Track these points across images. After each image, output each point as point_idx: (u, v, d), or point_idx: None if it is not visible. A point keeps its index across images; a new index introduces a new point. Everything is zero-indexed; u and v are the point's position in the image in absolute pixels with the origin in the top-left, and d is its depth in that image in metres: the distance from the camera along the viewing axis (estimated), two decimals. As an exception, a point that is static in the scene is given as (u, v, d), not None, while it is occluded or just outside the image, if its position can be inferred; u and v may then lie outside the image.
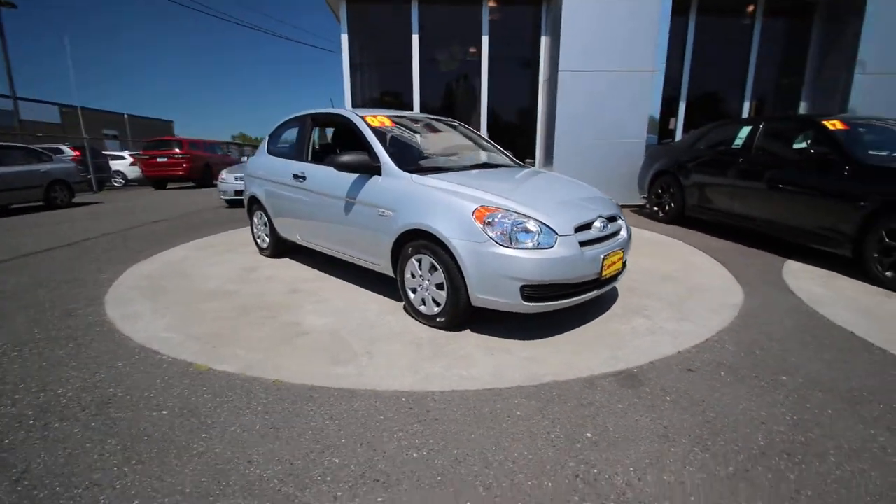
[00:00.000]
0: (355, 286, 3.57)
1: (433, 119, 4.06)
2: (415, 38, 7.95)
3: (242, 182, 8.30)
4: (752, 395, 2.06)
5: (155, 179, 13.96)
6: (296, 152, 3.91)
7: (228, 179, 8.44)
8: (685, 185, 5.79)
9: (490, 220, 2.44)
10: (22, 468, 1.57)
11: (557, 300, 2.50)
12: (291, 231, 3.98)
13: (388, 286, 3.49)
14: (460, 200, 2.56)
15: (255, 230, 4.62)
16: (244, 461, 1.61)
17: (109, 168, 14.28)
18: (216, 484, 1.50)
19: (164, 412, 1.91)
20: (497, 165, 3.57)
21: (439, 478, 1.53)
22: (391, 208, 2.85)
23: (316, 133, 4.12)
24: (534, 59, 8.17)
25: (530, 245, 2.39)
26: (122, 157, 15.81)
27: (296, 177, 3.69)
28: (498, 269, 2.39)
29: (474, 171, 3.22)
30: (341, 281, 3.71)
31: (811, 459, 1.63)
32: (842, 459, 1.63)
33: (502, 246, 2.39)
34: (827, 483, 1.52)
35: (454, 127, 4.11)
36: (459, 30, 8.17)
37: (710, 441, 1.74)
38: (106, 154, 14.67)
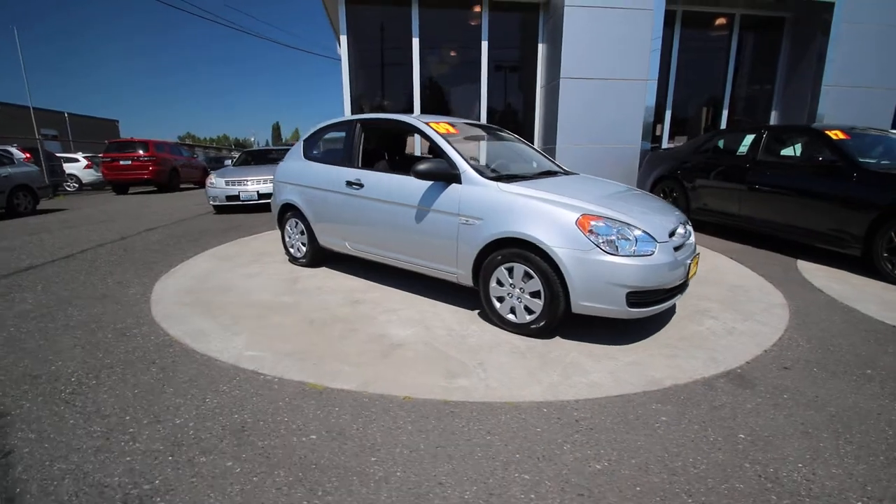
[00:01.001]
0: (415, 295, 3.52)
1: (480, 125, 4.07)
2: (415, 42, 7.90)
3: (235, 186, 7.98)
4: (853, 388, 2.23)
5: (117, 183, 13.00)
6: (344, 159, 3.79)
7: (219, 184, 8.03)
8: (689, 189, 6.11)
9: (594, 228, 2.49)
10: (198, 509, 1.45)
11: (655, 305, 2.59)
12: (338, 240, 3.86)
13: (451, 294, 3.47)
14: (560, 209, 2.59)
15: (287, 239, 4.43)
16: (434, 484, 1.56)
17: (63, 171, 13.16)
18: (422, 510, 1.45)
19: (313, 436, 1.81)
20: (555, 173, 3.63)
21: (637, 488, 1.56)
22: (477, 216, 2.84)
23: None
24: (531, 66, 8.35)
25: (634, 252, 2.47)
26: (76, 160, 14.61)
27: (350, 184, 3.58)
28: (605, 277, 2.45)
29: (546, 180, 3.26)
30: (396, 290, 3.64)
31: (945, 445, 1.80)
32: (969, 444, 1.80)
33: (608, 254, 2.45)
34: (971, 466, 1.68)
35: (497, 132, 4.14)
36: (459, 34, 8.21)
37: (847, 434, 1.87)
38: (59, 156, 13.48)
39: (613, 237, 2.47)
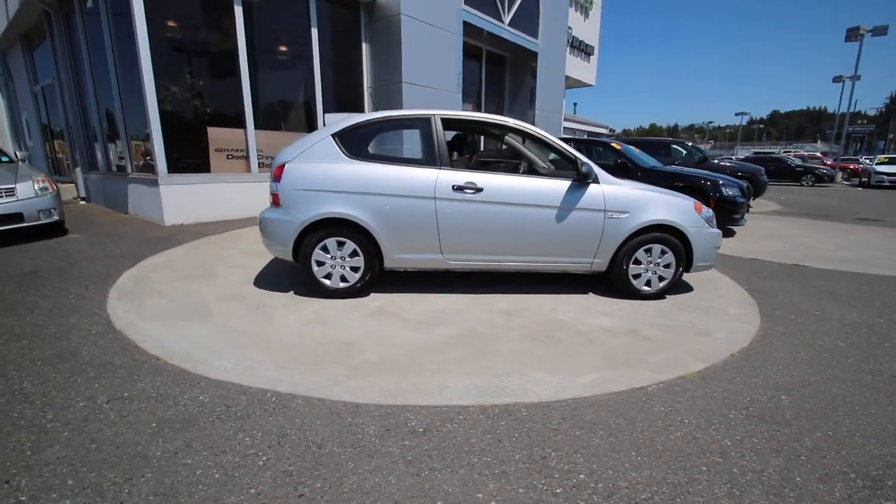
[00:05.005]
0: (529, 295, 3.55)
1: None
2: (238, 10, 6.34)
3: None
4: (809, 291, 4.23)
5: None
6: (427, 159, 3.25)
7: None
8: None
9: (702, 211, 3.55)
10: None
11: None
12: (429, 254, 3.30)
13: (552, 284, 3.75)
14: (680, 199, 3.50)
15: (315, 268, 3.24)
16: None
17: None
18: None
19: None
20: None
21: (872, 357, 2.80)
22: (624, 211, 3.35)
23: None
24: (357, 64, 8.18)
25: (715, 224, 3.69)
26: None
27: (458, 188, 3.18)
28: (711, 243, 3.57)
29: (624, 178, 3.94)
30: (503, 295, 3.52)
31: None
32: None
33: (711, 227, 3.57)
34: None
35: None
36: (288, 13, 7.10)
37: (857, 306, 3.73)
38: None
39: (710, 215, 3.61)
